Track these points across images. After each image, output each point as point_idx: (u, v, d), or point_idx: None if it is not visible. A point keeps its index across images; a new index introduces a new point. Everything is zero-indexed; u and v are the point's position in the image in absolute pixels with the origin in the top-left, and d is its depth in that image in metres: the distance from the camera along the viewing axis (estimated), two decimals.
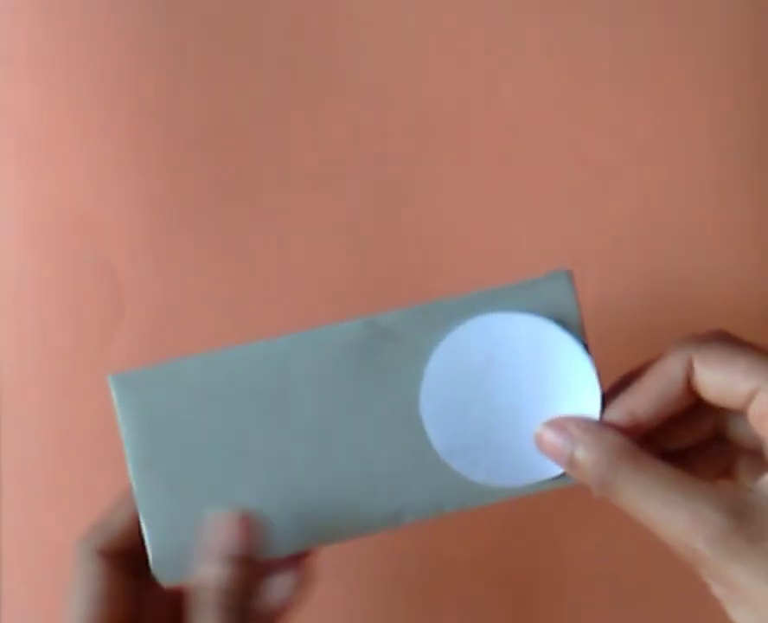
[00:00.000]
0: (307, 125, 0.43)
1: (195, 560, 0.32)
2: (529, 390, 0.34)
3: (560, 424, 0.33)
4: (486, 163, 0.42)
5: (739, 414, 0.31)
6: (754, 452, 0.33)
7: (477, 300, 0.33)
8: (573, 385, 0.34)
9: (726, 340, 0.31)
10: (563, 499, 0.38)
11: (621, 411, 0.32)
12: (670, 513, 0.29)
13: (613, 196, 0.42)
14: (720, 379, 0.30)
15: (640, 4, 0.42)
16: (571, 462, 0.32)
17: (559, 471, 0.33)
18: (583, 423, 0.32)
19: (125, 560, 0.33)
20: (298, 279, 0.42)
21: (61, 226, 0.43)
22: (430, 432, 0.34)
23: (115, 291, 0.42)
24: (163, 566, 0.33)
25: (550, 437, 0.33)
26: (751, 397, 0.30)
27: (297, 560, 0.34)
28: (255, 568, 0.32)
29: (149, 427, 0.33)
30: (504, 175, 0.42)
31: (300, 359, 0.33)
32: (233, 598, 0.31)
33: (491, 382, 0.34)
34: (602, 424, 0.33)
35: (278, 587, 0.34)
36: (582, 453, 0.32)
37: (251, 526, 0.32)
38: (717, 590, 0.29)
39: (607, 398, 0.33)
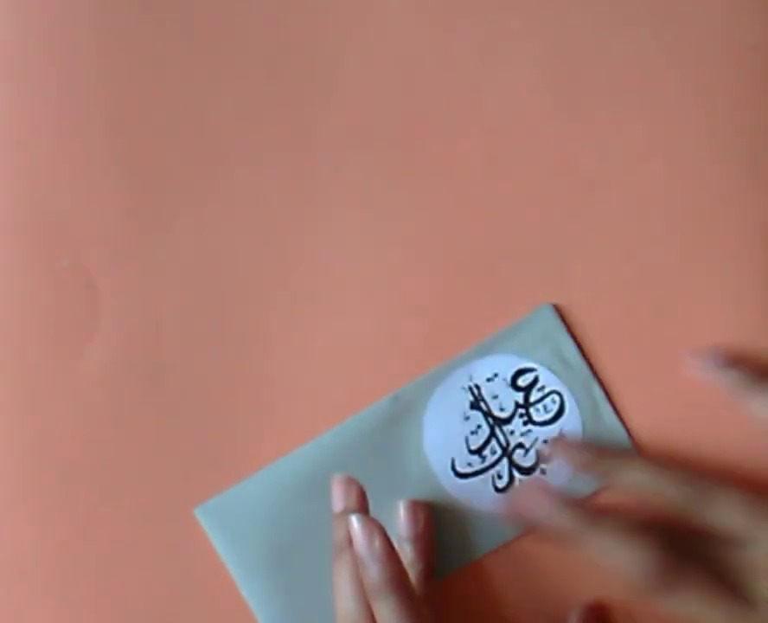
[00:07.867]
0: (290, 129, 0.42)
1: None
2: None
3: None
4: (473, 174, 0.42)
5: None
6: None
7: (477, 352, 0.39)
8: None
9: None
10: None
11: None
12: None
13: (603, 208, 0.41)
14: None
15: (631, 10, 0.42)
16: None
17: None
18: None
19: None
20: (279, 283, 0.42)
21: (36, 229, 0.42)
22: (436, 471, 0.39)
23: (91, 295, 0.42)
24: None
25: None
26: None
27: None
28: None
29: (239, 542, 0.38)
30: (491, 185, 0.42)
31: (343, 448, 0.38)
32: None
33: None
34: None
35: None
36: None
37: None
38: None
39: None
